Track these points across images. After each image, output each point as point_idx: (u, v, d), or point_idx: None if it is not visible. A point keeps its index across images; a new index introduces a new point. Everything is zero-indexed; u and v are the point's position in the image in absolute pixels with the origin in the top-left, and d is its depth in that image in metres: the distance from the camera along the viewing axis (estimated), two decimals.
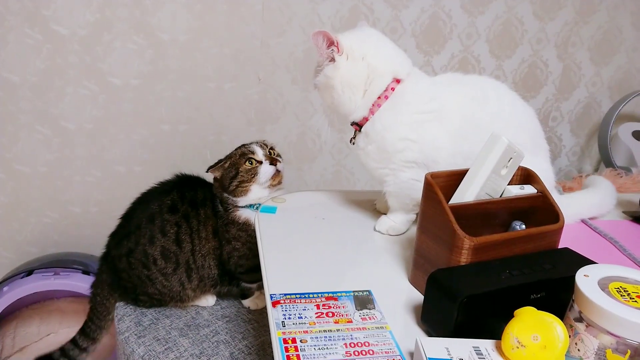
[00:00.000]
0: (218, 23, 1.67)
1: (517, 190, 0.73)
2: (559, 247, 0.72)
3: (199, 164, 1.78)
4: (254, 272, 1.19)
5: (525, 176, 0.76)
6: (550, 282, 0.63)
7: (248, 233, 1.17)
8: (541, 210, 0.73)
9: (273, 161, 1.19)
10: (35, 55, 1.56)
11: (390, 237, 0.89)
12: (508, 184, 0.74)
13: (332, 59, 0.90)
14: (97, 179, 1.74)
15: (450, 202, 0.71)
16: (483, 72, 1.96)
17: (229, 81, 1.75)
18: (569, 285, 0.59)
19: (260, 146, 1.22)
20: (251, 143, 1.25)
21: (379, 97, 0.90)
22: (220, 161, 1.21)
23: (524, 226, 0.72)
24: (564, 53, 2.01)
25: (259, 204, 1.06)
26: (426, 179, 0.71)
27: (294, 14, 1.73)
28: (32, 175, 1.68)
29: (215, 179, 1.23)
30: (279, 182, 1.20)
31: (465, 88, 0.93)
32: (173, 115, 1.74)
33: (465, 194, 0.71)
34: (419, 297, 0.71)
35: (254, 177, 1.16)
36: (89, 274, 1.56)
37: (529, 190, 0.74)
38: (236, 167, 1.17)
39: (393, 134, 0.88)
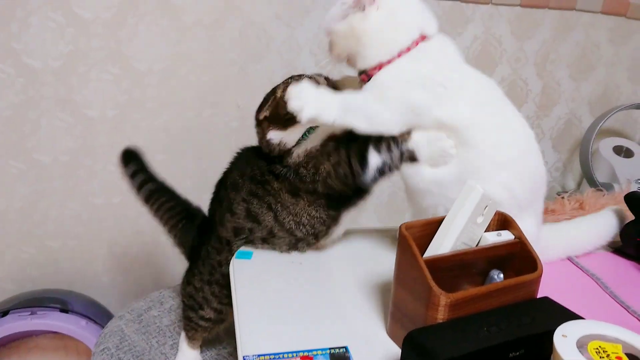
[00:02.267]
0: (195, 50, 1.65)
1: (494, 238, 0.72)
2: (540, 294, 0.71)
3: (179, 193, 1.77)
4: (362, 162, 0.91)
5: (502, 221, 0.75)
6: (529, 338, 0.62)
7: (326, 154, 0.94)
8: (519, 257, 0.72)
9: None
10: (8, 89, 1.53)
11: (369, 284, 0.86)
12: (485, 231, 0.73)
13: (363, 8, 0.85)
14: (75, 212, 1.70)
15: (425, 255, 0.70)
16: None
17: (208, 108, 1.73)
18: (548, 340, 0.57)
19: (315, 80, 1.00)
20: (305, 76, 1.02)
21: (401, 50, 0.86)
22: (268, 94, 1.05)
23: (502, 275, 0.70)
24: (543, 70, 2.02)
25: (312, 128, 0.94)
26: (400, 231, 0.69)
27: (271, 39, 1.71)
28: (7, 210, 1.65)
29: (264, 120, 1.03)
30: None
31: (491, 95, 0.92)
32: (151, 144, 1.69)
33: (441, 245, 0.69)
34: (397, 351, 0.69)
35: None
36: (67, 312, 1.53)
37: (506, 236, 0.73)
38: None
39: (403, 77, 0.85)
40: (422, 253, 0.71)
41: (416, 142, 0.87)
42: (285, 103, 0.94)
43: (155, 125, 1.69)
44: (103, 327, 1.26)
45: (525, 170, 0.87)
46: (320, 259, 0.93)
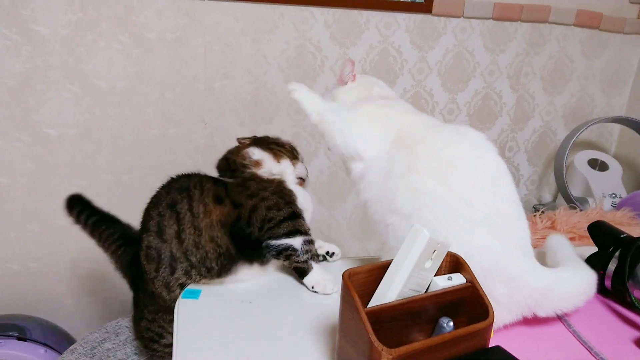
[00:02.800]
0: (158, 67, 1.61)
1: (444, 282, 0.68)
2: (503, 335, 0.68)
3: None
4: (290, 220, 0.95)
5: (454, 263, 0.71)
6: None
7: (276, 184, 0.99)
8: (470, 303, 0.68)
9: (300, 182, 1.07)
10: None
11: (320, 327, 0.81)
12: (435, 275, 0.69)
13: (345, 83, 1.02)
14: (36, 234, 1.65)
15: (371, 304, 0.66)
16: (436, 106, 1.93)
17: (173, 126, 1.68)
18: None
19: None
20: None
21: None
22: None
23: (451, 324, 0.67)
24: (517, 84, 2.00)
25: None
26: (343, 278, 0.65)
27: (237, 55, 1.67)
28: None
29: (241, 140, 1.11)
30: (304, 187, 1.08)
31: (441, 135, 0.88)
32: (115, 164, 1.66)
33: (386, 294, 0.65)
34: None
35: (292, 158, 1.07)
36: (25, 340, 1.47)
37: (457, 280, 0.69)
38: (281, 144, 1.09)
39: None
40: (368, 301, 0.67)
41: (313, 272, 0.94)
42: (269, 139, 1.09)
43: (119, 145, 1.64)
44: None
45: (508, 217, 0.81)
46: (271, 297, 0.89)
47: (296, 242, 0.93)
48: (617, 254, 0.93)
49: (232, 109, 1.73)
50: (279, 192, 0.97)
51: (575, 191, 1.99)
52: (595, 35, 2.01)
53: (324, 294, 0.92)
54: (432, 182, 0.79)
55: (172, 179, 1.03)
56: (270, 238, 0.93)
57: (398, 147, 0.87)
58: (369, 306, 0.66)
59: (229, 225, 0.93)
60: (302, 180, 1.08)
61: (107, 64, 1.56)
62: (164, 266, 0.93)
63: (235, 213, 0.94)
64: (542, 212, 1.67)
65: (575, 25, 1.97)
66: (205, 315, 0.82)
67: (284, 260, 0.95)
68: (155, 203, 0.99)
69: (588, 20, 1.97)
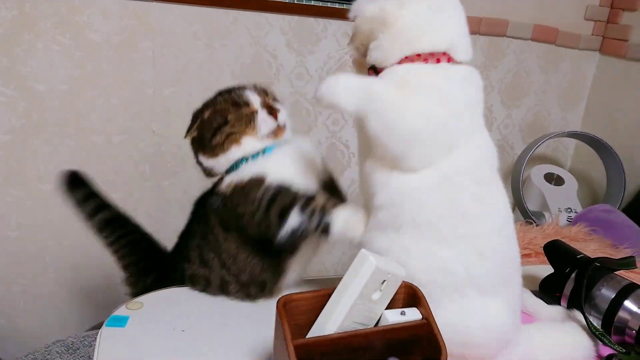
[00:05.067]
0: (103, 71, 1.51)
1: (395, 317, 0.62)
2: None
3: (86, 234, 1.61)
4: (270, 209, 0.85)
5: (411, 296, 0.65)
6: None
7: (239, 189, 0.87)
8: (425, 342, 0.62)
9: (272, 111, 0.91)
10: None
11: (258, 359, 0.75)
12: (390, 308, 0.63)
13: None
14: None
15: (309, 335, 0.60)
16: None
17: (118, 134, 1.59)
18: None
19: (255, 90, 0.94)
20: (238, 87, 0.96)
21: (419, 55, 0.73)
22: (196, 113, 0.96)
23: None
24: None
25: (255, 154, 0.87)
26: (277, 306, 0.59)
27: (189, 60, 1.60)
28: None
29: (193, 141, 0.96)
30: (282, 135, 0.92)
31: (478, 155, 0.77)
32: (54, 173, 1.54)
33: (326, 325, 0.59)
34: None
35: (248, 125, 0.89)
36: None
37: (411, 315, 0.63)
38: (223, 115, 0.90)
39: (432, 83, 0.72)
40: (307, 332, 0.61)
41: (335, 217, 0.81)
42: (211, 125, 0.90)
43: (59, 152, 1.54)
44: None
45: (489, 249, 0.73)
46: (206, 324, 0.82)
47: (293, 220, 0.82)
48: (573, 275, 0.90)
49: (183, 117, 1.63)
50: (246, 193, 0.86)
51: (532, 205, 1.98)
52: (551, 50, 2.02)
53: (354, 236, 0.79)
54: None
55: (198, 201, 1.01)
56: (275, 234, 0.83)
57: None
58: (307, 337, 0.60)
59: (249, 245, 0.89)
60: (278, 130, 0.91)
61: (47, 66, 1.46)
62: (212, 288, 0.92)
63: (243, 236, 0.89)
64: None
65: (533, 40, 1.98)
66: (132, 345, 0.74)
67: (307, 236, 0.85)
68: (190, 232, 0.98)
69: (545, 35, 1.98)
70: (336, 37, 1.73)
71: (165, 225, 1.71)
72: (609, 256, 1.41)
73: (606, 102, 2.07)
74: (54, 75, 1.47)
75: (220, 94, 0.96)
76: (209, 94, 1.62)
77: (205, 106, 0.95)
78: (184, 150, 1.66)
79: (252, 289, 0.90)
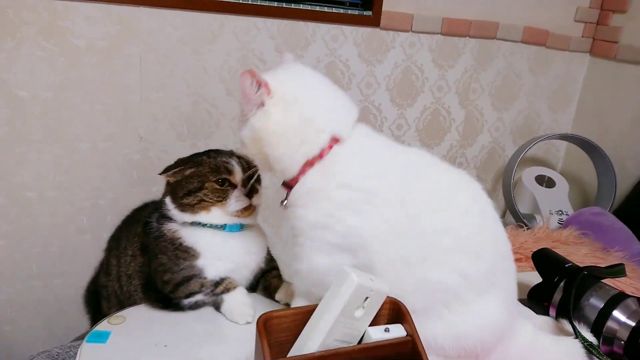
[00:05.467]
0: (87, 77, 1.49)
1: (379, 335, 0.61)
2: None
3: (71, 232, 1.59)
4: (183, 284, 0.94)
5: (396, 312, 0.64)
6: None
7: (175, 246, 0.95)
8: (409, 359, 0.61)
9: (250, 192, 0.95)
10: None
11: None
12: (374, 324, 0.62)
13: (262, 104, 0.74)
14: None
15: (290, 354, 0.58)
16: (385, 121, 1.89)
17: (104, 140, 1.56)
18: None
19: (241, 164, 0.97)
20: (228, 154, 1.00)
21: (313, 156, 0.75)
22: (181, 163, 0.98)
23: None
24: (466, 100, 1.98)
25: (220, 225, 0.94)
26: (257, 323, 0.57)
27: (175, 65, 1.58)
28: None
29: (168, 182, 1.00)
30: (251, 214, 0.96)
31: (424, 180, 0.77)
32: (39, 181, 1.53)
33: (307, 343, 0.58)
34: None
35: (221, 200, 0.92)
36: None
37: (395, 332, 0.61)
38: (202, 180, 0.93)
39: (317, 205, 0.73)
40: (289, 349, 0.60)
41: (226, 301, 0.92)
42: (188, 186, 0.95)
43: (44, 160, 1.51)
44: None
45: (479, 248, 0.75)
46: (189, 339, 0.80)
47: (198, 297, 0.94)
48: (562, 284, 0.89)
49: (170, 122, 1.63)
50: (175, 255, 0.94)
51: (523, 208, 1.98)
52: (542, 52, 2.01)
53: (246, 322, 0.88)
54: None
55: (140, 206, 1.14)
56: (174, 298, 0.94)
57: None
58: (289, 355, 0.59)
59: (144, 276, 0.98)
60: (246, 209, 0.95)
61: (30, 73, 1.43)
62: (112, 306, 1.03)
63: (148, 269, 0.98)
64: None
65: (523, 42, 1.97)
66: None
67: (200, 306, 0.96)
68: (114, 234, 1.11)
69: (535, 37, 1.97)
70: (325, 41, 1.71)
71: None
72: (599, 260, 1.41)
73: (597, 104, 2.07)
74: (38, 81, 1.44)
75: (209, 154, 1.00)
76: (196, 99, 1.61)
77: (191, 161, 0.98)
78: (171, 155, 1.64)
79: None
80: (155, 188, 1.65)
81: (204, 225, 0.94)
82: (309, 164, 0.75)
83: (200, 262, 0.93)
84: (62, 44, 1.44)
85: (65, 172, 1.55)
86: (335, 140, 0.76)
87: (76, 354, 1.14)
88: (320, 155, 0.75)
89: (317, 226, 0.74)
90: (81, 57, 1.47)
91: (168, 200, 0.97)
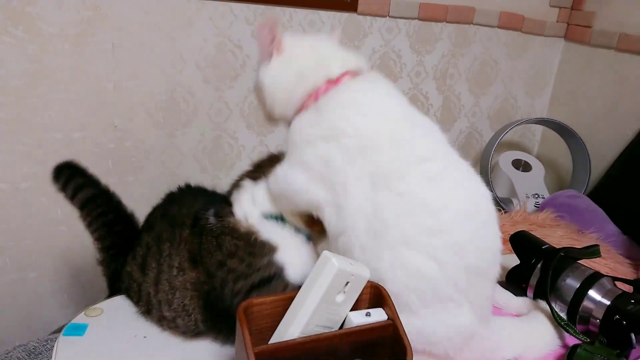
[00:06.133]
0: (59, 65, 1.45)
1: (360, 319, 0.61)
2: None
3: (46, 223, 1.56)
4: (259, 288, 0.78)
5: (377, 296, 0.64)
6: None
7: (249, 242, 0.80)
8: (390, 342, 0.61)
9: None
10: None
11: None
12: (355, 309, 0.62)
13: (270, 56, 0.81)
14: None
15: (271, 341, 0.58)
16: None
17: (78, 130, 1.53)
18: None
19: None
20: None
21: (309, 96, 0.77)
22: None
23: None
24: (443, 85, 1.99)
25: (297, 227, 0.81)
26: (237, 312, 0.57)
27: (150, 52, 1.54)
28: None
29: (259, 166, 0.90)
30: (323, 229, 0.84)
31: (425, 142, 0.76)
32: (12, 172, 1.49)
33: (288, 330, 0.58)
34: None
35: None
36: None
37: (377, 316, 0.61)
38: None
39: (304, 133, 0.75)
40: (270, 336, 0.60)
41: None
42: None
43: (16, 151, 1.48)
44: None
45: (466, 242, 0.69)
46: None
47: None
48: (539, 266, 0.90)
49: (146, 111, 1.60)
50: (249, 253, 0.79)
51: (500, 192, 2.00)
52: (518, 37, 2.03)
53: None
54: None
55: (173, 194, 0.97)
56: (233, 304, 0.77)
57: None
58: (270, 342, 0.59)
59: (203, 294, 0.80)
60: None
61: None
62: (141, 303, 0.84)
63: (207, 285, 0.80)
64: None
65: (499, 27, 1.98)
66: (91, 354, 0.72)
67: None
68: (149, 224, 0.92)
69: (511, 22, 1.98)
70: (302, 27, 1.70)
71: None
72: (574, 241, 1.44)
73: (571, 89, 2.09)
74: (7, 70, 1.40)
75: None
76: (172, 86, 1.59)
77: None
78: (148, 144, 1.63)
79: (165, 323, 0.82)
80: (132, 178, 1.63)
81: (284, 221, 0.82)
82: (305, 105, 0.78)
83: (280, 257, 0.79)
84: (32, 30, 1.40)
85: (38, 163, 1.51)
86: (330, 81, 0.77)
87: (53, 347, 1.13)
88: (316, 97, 0.76)
89: (309, 142, 0.74)
90: (52, 44, 1.43)
91: (253, 184, 0.85)
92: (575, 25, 2.04)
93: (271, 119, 0.86)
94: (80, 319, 0.78)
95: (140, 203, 1.66)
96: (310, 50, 0.81)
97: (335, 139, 0.71)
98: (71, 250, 1.61)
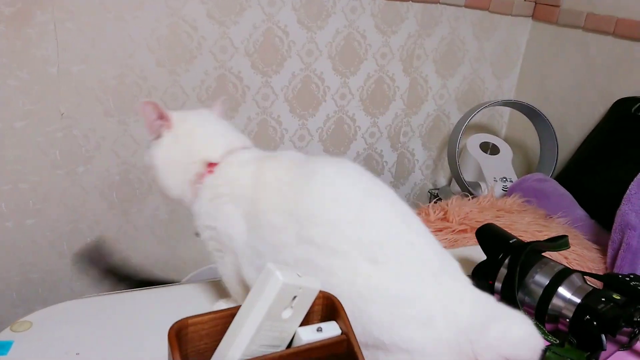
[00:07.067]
0: None
1: (310, 335, 0.55)
2: None
3: None
4: None
5: (330, 308, 0.58)
6: None
7: None
8: (344, 359, 0.56)
9: None
10: None
11: None
12: (305, 324, 0.56)
13: (159, 136, 0.80)
14: None
15: None
16: (328, 91, 1.81)
17: (20, 119, 1.42)
18: None
19: None
20: None
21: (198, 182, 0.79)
22: None
23: None
24: (410, 67, 1.93)
25: None
26: (168, 334, 0.50)
27: (98, 34, 1.44)
28: None
29: None
30: None
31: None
32: None
33: (228, 351, 0.51)
34: None
35: None
36: None
37: (329, 331, 0.56)
38: None
39: (200, 221, 0.78)
40: (209, 358, 0.53)
41: None
42: None
43: None
44: None
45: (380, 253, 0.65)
46: (103, 346, 0.72)
47: None
48: (506, 261, 0.86)
49: (95, 97, 1.50)
50: None
51: (468, 175, 1.97)
52: (485, 16, 1.98)
53: None
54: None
55: None
56: None
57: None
58: None
59: None
60: None
61: None
62: None
63: None
64: (436, 201, 1.62)
65: (466, 7, 1.92)
66: None
67: None
68: None
69: (478, 1, 1.93)
70: (261, 6, 1.61)
71: (84, 214, 1.57)
72: (542, 227, 1.41)
73: (539, 70, 2.06)
74: None
75: None
76: (123, 70, 1.49)
77: None
78: (99, 133, 1.53)
79: None
80: (82, 168, 1.53)
81: None
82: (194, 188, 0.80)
83: None
84: None
85: None
86: (211, 165, 0.79)
87: None
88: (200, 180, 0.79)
89: (205, 239, 0.78)
90: None
91: None
92: (543, 5, 2.00)
93: (173, 199, 0.85)
94: (5, 335, 0.70)
95: (91, 194, 1.58)
96: (193, 128, 0.82)
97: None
98: (18, 247, 1.51)
